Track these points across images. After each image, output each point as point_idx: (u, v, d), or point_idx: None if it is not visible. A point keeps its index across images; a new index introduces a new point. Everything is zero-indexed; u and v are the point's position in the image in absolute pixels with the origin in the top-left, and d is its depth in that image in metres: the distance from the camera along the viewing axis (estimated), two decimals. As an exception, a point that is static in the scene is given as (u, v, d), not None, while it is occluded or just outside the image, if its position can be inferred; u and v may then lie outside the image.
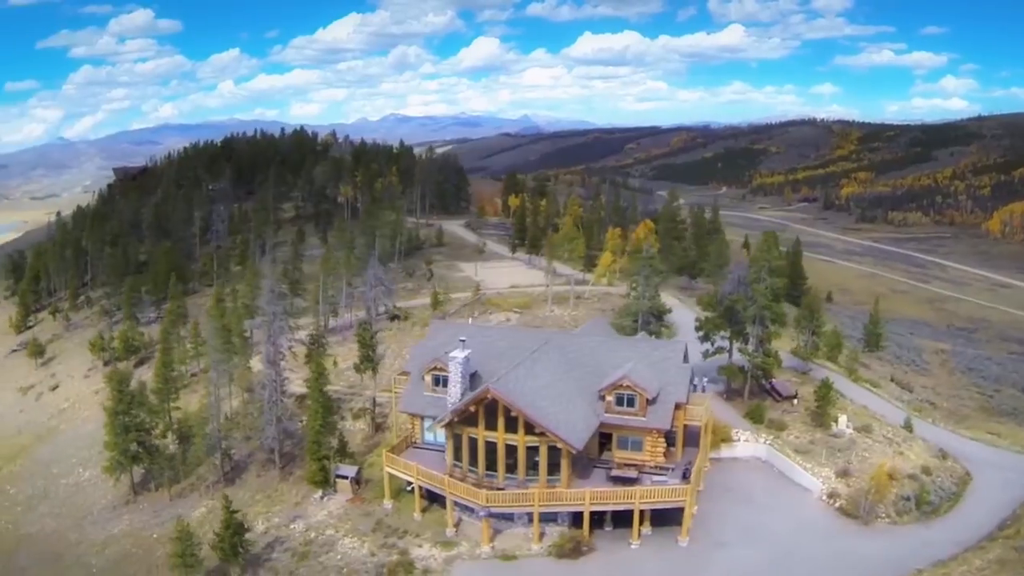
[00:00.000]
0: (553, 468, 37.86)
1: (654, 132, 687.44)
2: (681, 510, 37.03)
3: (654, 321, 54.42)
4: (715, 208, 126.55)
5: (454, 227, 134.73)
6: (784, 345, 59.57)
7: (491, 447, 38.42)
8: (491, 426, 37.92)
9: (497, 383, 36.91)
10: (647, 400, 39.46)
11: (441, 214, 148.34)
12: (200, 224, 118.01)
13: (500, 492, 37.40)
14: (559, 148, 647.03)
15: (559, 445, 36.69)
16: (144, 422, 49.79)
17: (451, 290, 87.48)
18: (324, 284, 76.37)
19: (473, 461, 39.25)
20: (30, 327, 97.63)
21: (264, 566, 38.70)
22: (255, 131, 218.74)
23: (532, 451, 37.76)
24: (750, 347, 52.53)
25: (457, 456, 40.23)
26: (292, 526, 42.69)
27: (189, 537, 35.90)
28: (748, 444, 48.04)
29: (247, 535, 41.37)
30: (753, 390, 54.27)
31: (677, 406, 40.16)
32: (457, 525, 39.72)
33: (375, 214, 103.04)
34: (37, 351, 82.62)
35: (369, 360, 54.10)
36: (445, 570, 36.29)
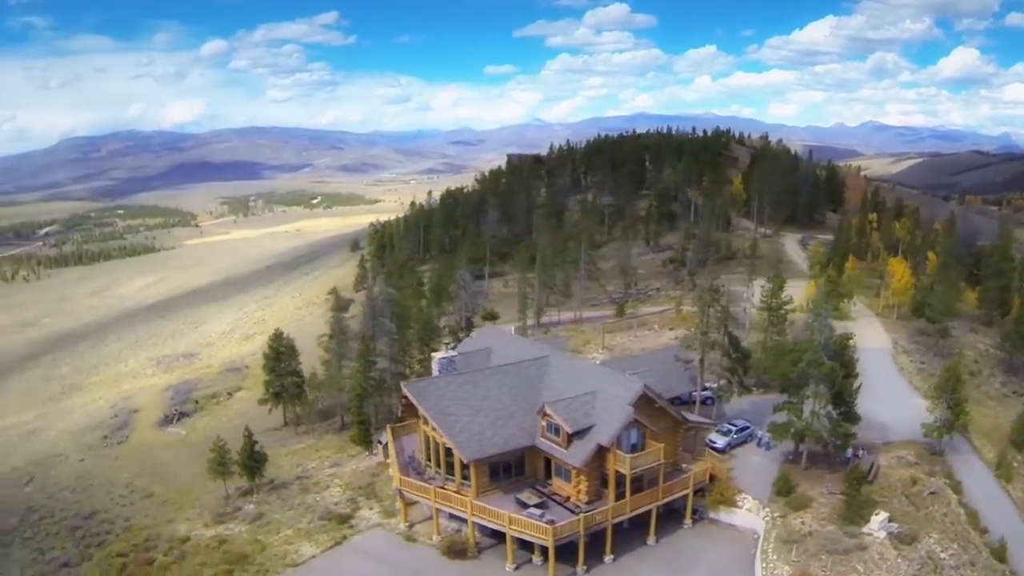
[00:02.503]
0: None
1: None
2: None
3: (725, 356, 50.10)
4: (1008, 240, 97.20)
5: (787, 240, 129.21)
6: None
7: (428, 441, 43.06)
8: (427, 421, 42.55)
9: (414, 384, 41.51)
10: (568, 434, 39.16)
11: (791, 225, 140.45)
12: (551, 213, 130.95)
13: (413, 480, 41.93)
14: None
15: (455, 451, 39.55)
16: (296, 370, 66.14)
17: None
18: (522, 280, 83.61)
19: (424, 450, 44.40)
20: (365, 288, 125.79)
21: (279, 490, 50.10)
22: (702, 128, 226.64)
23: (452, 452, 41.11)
24: (806, 408, 44.70)
25: (423, 444, 45.75)
26: (326, 470, 53.33)
27: (224, 452, 49.27)
28: (749, 514, 42.10)
29: (280, 465, 53.91)
30: (818, 457, 46.08)
31: (601, 447, 38.65)
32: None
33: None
34: (341, 307, 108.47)
35: (451, 353, 61.56)
36: (363, 531, 42.62)
